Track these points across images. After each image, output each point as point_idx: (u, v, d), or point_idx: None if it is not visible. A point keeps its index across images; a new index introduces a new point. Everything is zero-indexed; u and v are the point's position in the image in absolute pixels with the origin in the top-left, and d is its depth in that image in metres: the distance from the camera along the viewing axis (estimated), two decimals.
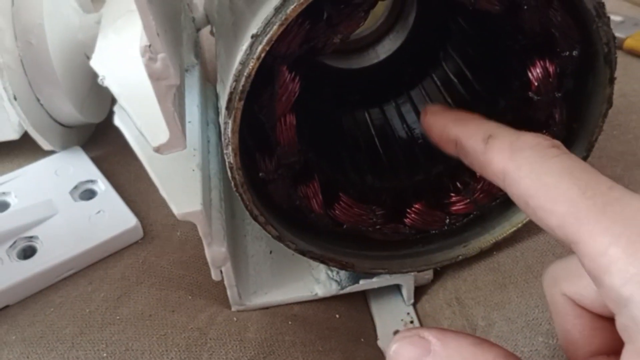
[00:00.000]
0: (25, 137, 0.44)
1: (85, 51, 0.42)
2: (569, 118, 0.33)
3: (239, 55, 0.27)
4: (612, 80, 0.30)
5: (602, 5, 0.28)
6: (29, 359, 0.31)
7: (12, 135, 0.44)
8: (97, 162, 0.44)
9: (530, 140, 0.25)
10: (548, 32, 0.30)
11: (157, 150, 0.29)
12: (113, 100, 0.48)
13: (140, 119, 0.31)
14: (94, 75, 0.44)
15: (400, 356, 0.25)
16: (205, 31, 0.46)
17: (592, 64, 0.31)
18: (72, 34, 0.42)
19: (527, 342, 0.31)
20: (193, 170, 0.34)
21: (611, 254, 0.20)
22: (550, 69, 0.31)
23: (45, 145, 0.42)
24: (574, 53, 0.30)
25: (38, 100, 0.41)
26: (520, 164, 0.24)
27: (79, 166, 0.44)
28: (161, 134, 0.29)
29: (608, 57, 0.29)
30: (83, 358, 0.31)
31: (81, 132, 0.47)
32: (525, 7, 0.29)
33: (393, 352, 0.25)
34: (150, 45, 0.25)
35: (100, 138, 0.47)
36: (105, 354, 0.31)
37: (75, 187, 0.42)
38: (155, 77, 0.26)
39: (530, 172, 0.24)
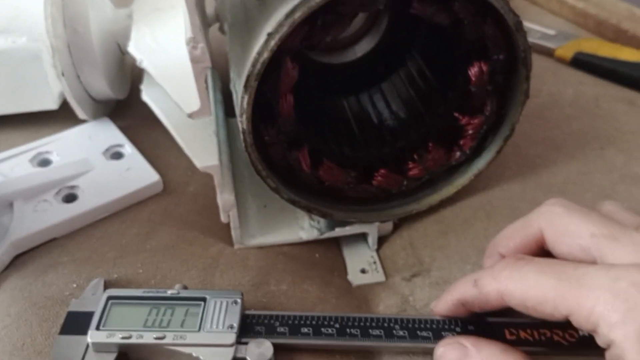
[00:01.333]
0: (62, 108, 0.52)
1: (116, 39, 0.51)
2: (498, 106, 0.41)
3: (256, 47, 0.35)
4: (527, 78, 0.39)
5: (520, 23, 0.37)
6: (80, 273, 0.40)
7: (53, 105, 0.51)
8: (123, 130, 0.52)
9: (503, 264, 0.31)
10: (482, 41, 0.39)
11: (190, 116, 0.38)
12: (132, 81, 0.57)
13: (175, 92, 0.40)
14: (121, 59, 0.54)
15: (445, 357, 0.31)
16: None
17: (514, 65, 0.40)
18: (107, 25, 0.50)
19: (459, 269, 0.41)
20: (210, 135, 0.43)
21: (596, 312, 0.26)
22: (484, 68, 0.39)
23: (81, 114, 0.50)
24: (501, 57, 0.39)
25: (78, 77, 0.49)
26: (506, 283, 0.30)
27: (108, 133, 0.51)
28: (193, 104, 0.38)
29: (524, 61, 0.39)
30: (124, 273, 0.40)
31: (107, 106, 0.55)
32: (466, 22, 0.38)
33: (439, 354, 0.32)
34: (194, 37, 0.35)
35: (124, 111, 0.55)
36: (141, 271, 0.41)
37: (107, 150, 0.50)
38: (195, 61, 0.35)
39: (515, 283, 0.29)
